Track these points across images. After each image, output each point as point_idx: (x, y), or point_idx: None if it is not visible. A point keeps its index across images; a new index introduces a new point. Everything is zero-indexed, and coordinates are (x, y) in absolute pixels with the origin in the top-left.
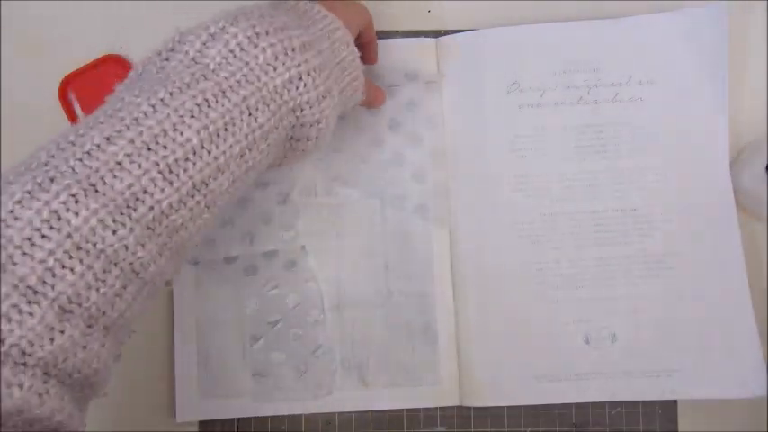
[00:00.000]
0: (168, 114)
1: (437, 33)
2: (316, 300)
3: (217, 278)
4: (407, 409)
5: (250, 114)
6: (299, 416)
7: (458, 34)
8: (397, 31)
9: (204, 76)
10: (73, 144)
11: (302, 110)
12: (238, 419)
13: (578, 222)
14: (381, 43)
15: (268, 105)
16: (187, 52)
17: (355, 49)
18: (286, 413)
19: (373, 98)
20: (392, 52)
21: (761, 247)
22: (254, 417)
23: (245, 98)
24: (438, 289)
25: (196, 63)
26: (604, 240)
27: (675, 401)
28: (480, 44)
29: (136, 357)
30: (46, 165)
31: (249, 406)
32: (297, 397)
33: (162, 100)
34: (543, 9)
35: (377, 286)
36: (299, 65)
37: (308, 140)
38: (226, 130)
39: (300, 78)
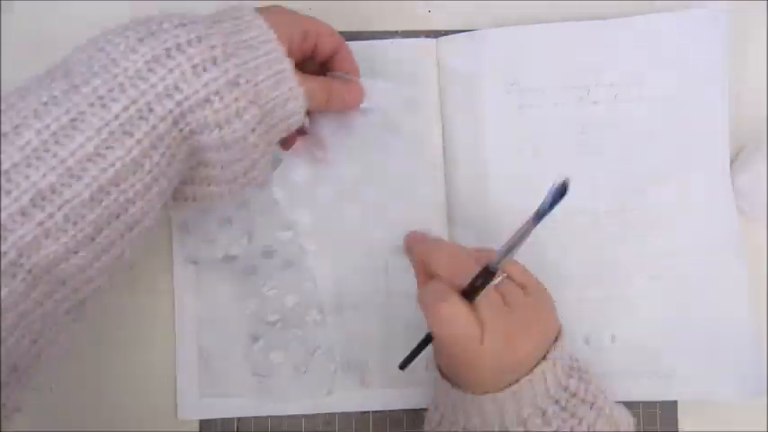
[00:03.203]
0: (11, 117)
1: (437, 33)
2: (315, 300)
3: (217, 278)
4: (407, 410)
5: (102, 106)
6: (299, 416)
7: (458, 34)
8: (397, 31)
9: (66, 73)
10: None
11: (185, 97)
12: (238, 419)
13: (578, 222)
14: (382, 44)
15: (125, 93)
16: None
17: (288, 66)
18: (286, 413)
19: (344, 104)
20: (392, 52)
21: (761, 248)
22: (254, 416)
23: (95, 89)
24: None
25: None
26: (604, 240)
27: (675, 401)
28: (480, 44)
29: (137, 356)
30: None
31: (249, 406)
32: (297, 397)
33: (11, 103)
34: (543, 9)
35: (377, 286)
36: (176, 66)
37: (216, 151)
38: (73, 127)
39: (180, 77)
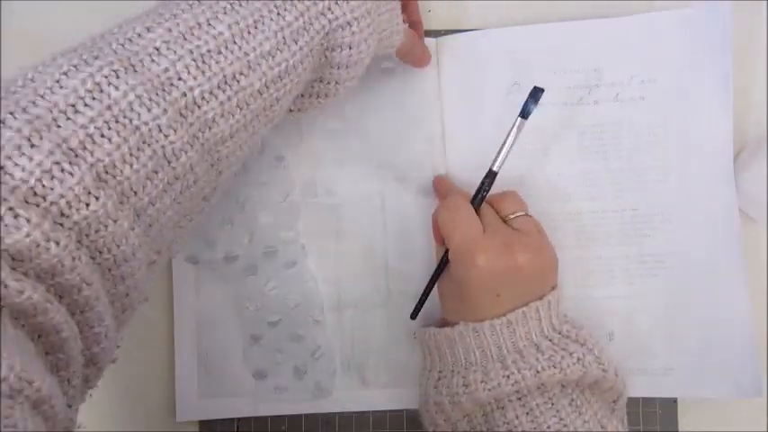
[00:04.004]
0: (203, 10)
1: (437, 33)
2: (315, 300)
3: (217, 278)
4: (407, 410)
5: (278, 14)
6: (299, 416)
7: (458, 34)
8: None
9: None
10: (115, 33)
11: (335, 17)
12: (238, 419)
13: (578, 222)
14: None
15: (296, 6)
16: None
17: (398, 5)
18: (286, 413)
19: (420, 56)
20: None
21: (761, 248)
22: (254, 417)
23: None
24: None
25: None
26: (604, 240)
27: (675, 401)
28: (480, 44)
29: (136, 357)
30: (91, 47)
31: (249, 406)
32: (297, 397)
33: (199, 0)
34: (543, 9)
35: (377, 286)
36: None
37: (338, 68)
38: (255, 27)
39: None
